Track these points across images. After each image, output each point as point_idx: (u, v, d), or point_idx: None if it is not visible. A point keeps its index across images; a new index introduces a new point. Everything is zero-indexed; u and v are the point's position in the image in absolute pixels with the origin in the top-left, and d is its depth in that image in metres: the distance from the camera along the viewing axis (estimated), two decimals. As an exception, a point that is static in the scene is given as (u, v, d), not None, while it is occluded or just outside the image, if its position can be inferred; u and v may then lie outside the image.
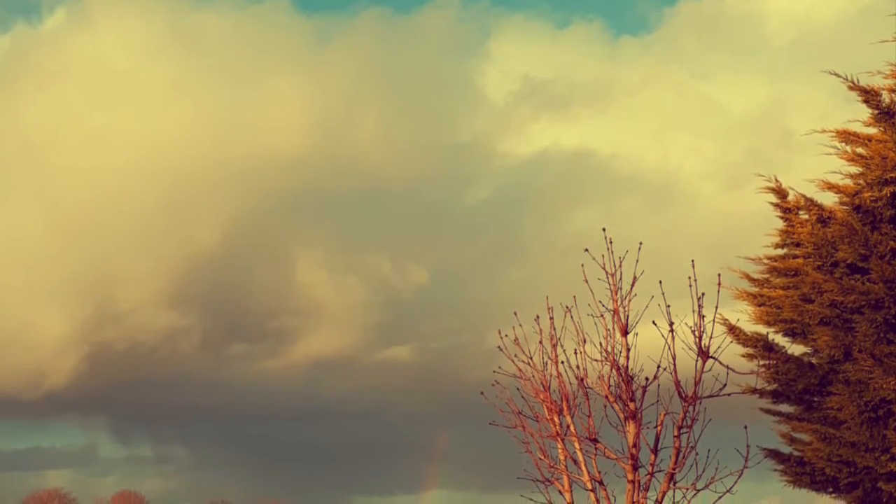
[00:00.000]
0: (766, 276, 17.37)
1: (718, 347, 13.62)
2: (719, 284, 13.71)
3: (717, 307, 13.65)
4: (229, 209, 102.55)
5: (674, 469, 13.50)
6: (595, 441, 13.61)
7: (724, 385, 13.44)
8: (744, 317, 16.88)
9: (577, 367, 13.43)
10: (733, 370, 13.65)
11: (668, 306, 13.49)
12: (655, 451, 13.53)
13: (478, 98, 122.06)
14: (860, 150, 16.29)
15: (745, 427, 13.88)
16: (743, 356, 16.97)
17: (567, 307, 13.38)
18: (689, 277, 13.49)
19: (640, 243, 13.19)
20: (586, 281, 13.19)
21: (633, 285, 13.43)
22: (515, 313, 13.64)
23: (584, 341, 13.44)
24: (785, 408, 17.62)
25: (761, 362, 16.08)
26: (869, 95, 16.24)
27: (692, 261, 13.51)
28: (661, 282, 13.41)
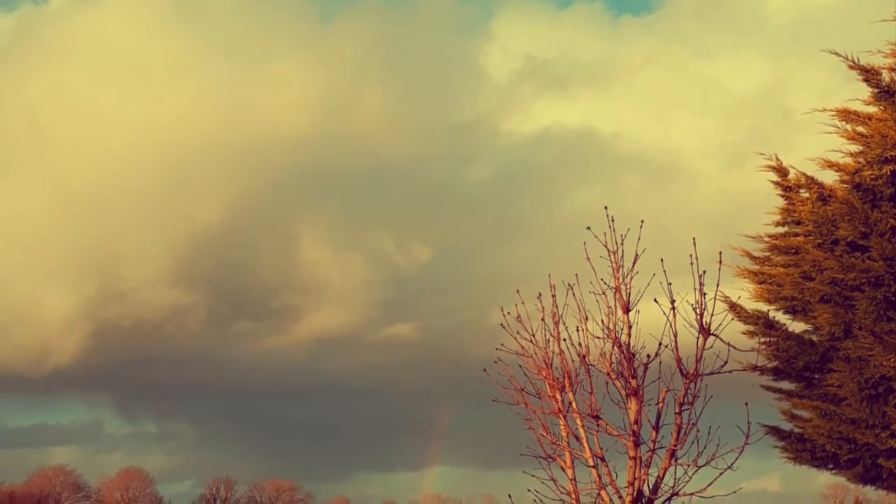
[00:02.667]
0: (766, 253, 17.38)
1: (719, 325, 13.69)
2: (720, 262, 13.75)
3: (717, 285, 13.70)
4: (233, 187, 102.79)
5: (675, 445, 13.58)
6: (597, 417, 13.69)
7: (725, 362, 13.51)
8: (745, 294, 16.93)
9: (580, 344, 13.49)
10: (734, 347, 13.71)
11: (670, 284, 13.54)
12: (657, 427, 13.61)
13: (480, 77, 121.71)
14: (860, 128, 16.27)
15: (746, 404, 13.96)
16: (744, 333, 17.01)
17: (569, 284, 13.44)
18: (691, 255, 13.54)
19: (642, 221, 13.24)
20: (588, 259, 13.24)
21: (634, 263, 13.48)
22: (518, 291, 13.71)
23: (586, 319, 13.50)
24: (786, 385, 17.66)
25: (762, 339, 16.11)
26: (869, 74, 16.23)
27: (693, 238, 13.56)
28: (662, 259, 13.46)
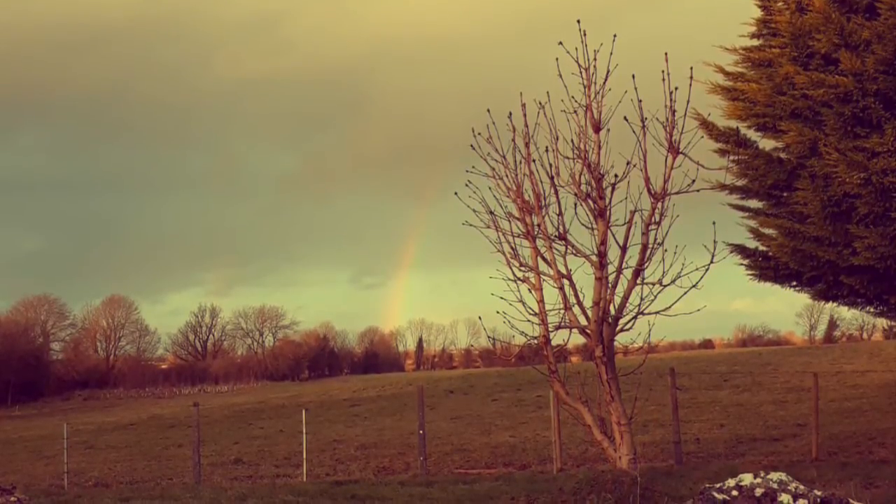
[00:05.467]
0: (740, 69, 16.93)
1: (689, 143, 13.39)
2: (691, 78, 13.32)
3: (688, 101, 13.33)
4: None
5: (641, 265, 13.51)
6: (564, 238, 13.51)
7: (693, 181, 13.29)
8: (716, 111, 16.57)
9: (550, 165, 13.14)
10: (703, 166, 13.47)
11: (641, 101, 13.13)
12: (624, 248, 13.49)
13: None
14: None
15: (714, 223, 13.83)
16: (714, 152, 16.75)
17: (540, 103, 12.93)
18: (662, 71, 13.06)
19: (615, 35, 12.64)
20: (560, 75, 12.69)
21: (606, 79, 12.98)
22: (489, 110, 13.18)
23: (557, 139, 13.10)
24: (753, 203, 17.61)
25: (732, 158, 15.84)
26: None
27: (665, 54, 13.04)
28: (633, 76, 12.95)
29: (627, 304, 13.57)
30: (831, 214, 15.34)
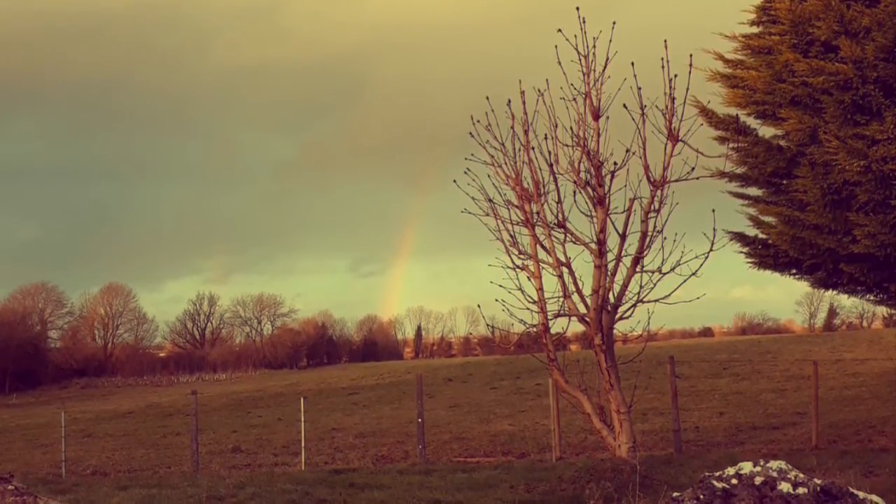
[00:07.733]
0: (739, 56, 16.86)
1: (689, 130, 13.36)
2: (691, 65, 13.27)
3: (688, 89, 13.29)
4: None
5: (640, 253, 13.49)
6: (563, 226, 13.49)
7: (693, 168, 13.27)
8: (716, 99, 16.51)
9: (549, 152, 13.11)
10: (702, 154, 13.44)
11: (640, 89, 13.09)
12: (623, 235, 13.47)
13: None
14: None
15: (713, 211, 13.80)
16: (714, 139, 16.70)
17: (539, 91, 12.89)
18: (662, 58, 13.03)
19: (614, 22, 12.59)
20: (559, 63, 12.65)
21: (605, 67, 12.94)
22: (487, 98, 13.14)
23: (556, 126, 13.07)
24: (753, 191, 17.57)
25: (732, 145, 15.78)
26: None
27: (664, 41, 12.99)
28: (633, 63, 12.91)
29: (627, 292, 13.57)
30: (831, 202, 15.30)
